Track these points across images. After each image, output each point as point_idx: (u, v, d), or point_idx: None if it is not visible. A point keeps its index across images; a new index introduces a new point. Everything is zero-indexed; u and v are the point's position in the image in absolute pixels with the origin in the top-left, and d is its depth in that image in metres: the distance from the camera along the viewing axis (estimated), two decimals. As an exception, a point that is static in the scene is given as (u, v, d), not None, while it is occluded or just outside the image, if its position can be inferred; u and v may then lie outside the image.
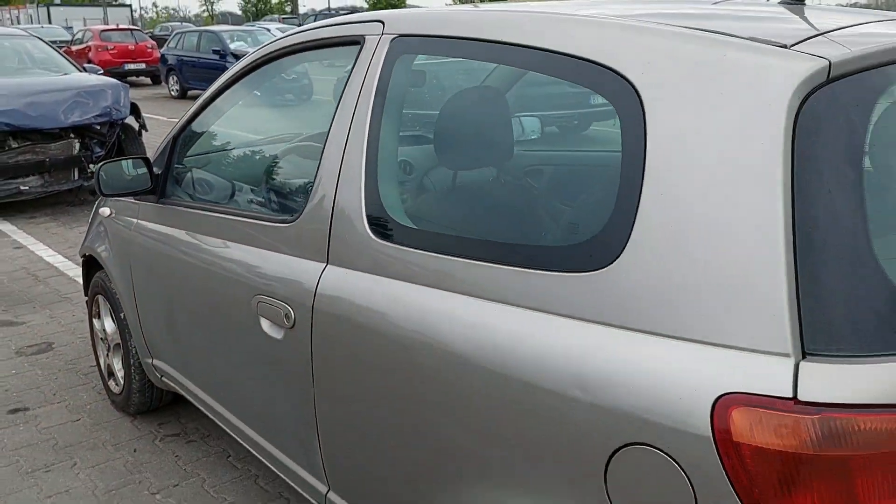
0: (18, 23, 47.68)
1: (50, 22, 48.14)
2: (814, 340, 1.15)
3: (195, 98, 10.89)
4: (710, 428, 1.16)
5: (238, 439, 2.54)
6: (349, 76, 2.00)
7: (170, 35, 21.50)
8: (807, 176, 1.20)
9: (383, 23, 1.98)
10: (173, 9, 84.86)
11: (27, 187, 7.07)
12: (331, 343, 1.88)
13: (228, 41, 16.66)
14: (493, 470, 1.50)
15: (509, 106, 1.87)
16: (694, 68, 1.34)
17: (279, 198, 2.33)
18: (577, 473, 1.34)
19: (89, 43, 20.94)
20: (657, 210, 1.31)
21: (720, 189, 1.25)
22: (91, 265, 3.49)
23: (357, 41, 2.03)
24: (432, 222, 1.88)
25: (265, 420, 2.30)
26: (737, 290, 1.20)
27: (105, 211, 3.26)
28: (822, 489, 1.12)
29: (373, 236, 1.81)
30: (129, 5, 59.34)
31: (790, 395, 1.12)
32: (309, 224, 2.00)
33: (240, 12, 68.54)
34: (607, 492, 1.30)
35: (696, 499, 1.19)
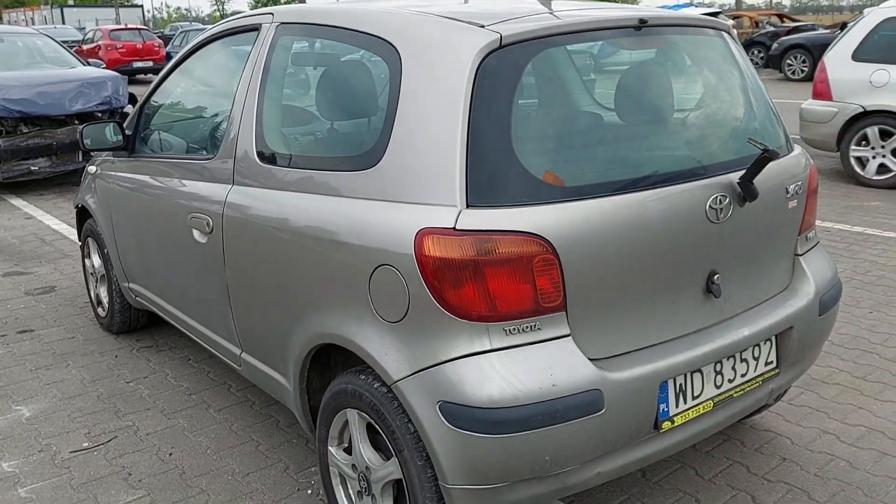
0: (33, 23, 48.69)
1: (63, 22, 49.15)
2: (473, 199, 1.97)
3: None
4: (413, 249, 1.98)
5: (182, 329, 3.39)
6: (250, 53, 2.84)
7: (176, 34, 22.40)
8: (478, 105, 2.02)
9: (273, 14, 2.81)
10: (185, 9, 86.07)
11: (37, 168, 7.96)
12: (233, 237, 2.72)
13: (229, 39, 17.51)
14: (318, 300, 2.34)
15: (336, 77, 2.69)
16: (429, 40, 2.16)
17: (205, 144, 3.16)
18: (356, 288, 2.17)
19: (99, 42, 21.90)
20: (402, 129, 2.13)
21: (434, 114, 2.07)
22: (83, 214, 4.35)
23: (257, 28, 2.87)
24: (292, 149, 2.70)
25: (198, 307, 3.14)
26: (436, 173, 2.02)
27: (92, 168, 4.11)
28: (472, 282, 1.93)
29: (259, 162, 2.65)
30: (141, 6, 60.20)
31: (452, 226, 1.94)
32: (221, 158, 2.84)
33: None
34: (370, 296, 2.13)
35: (408, 294, 2.01)
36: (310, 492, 2.80)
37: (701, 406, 2.27)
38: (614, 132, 2.21)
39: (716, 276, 2.29)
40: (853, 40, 7.61)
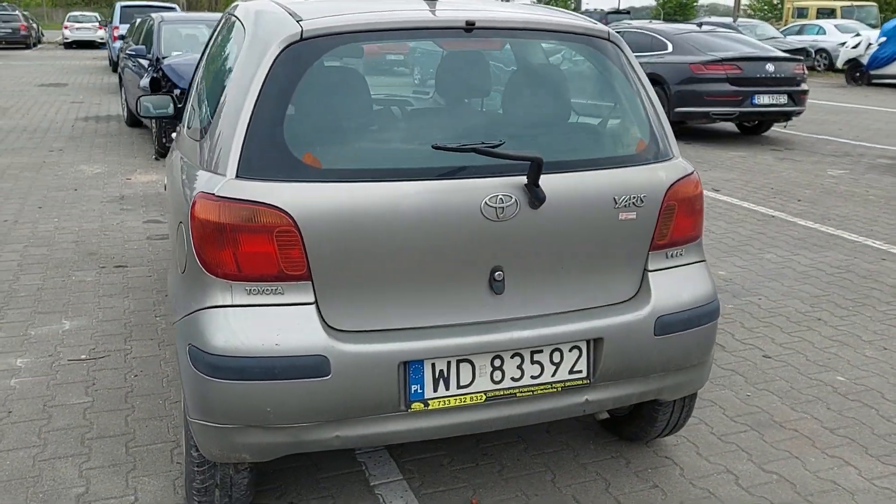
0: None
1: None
2: (242, 171, 2.21)
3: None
4: (190, 210, 2.28)
5: None
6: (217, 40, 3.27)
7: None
8: (267, 89, 2.26)
9: (238, 5, 3.22)
10: None
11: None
12: (169, 196, 3.19)
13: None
14: (172, 252, 2.72)
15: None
16: (261, 28, 2.43)
17: (186, 116, 3.66)
18: (174, 241, 2.51)
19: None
20: (224, 105, 2.42)
21: (239, 94, 2.33)
22: (172, 174, 5.11)
23: (226, 17, 3.29)
24: (194, 122, 3.07)
25: None
26: (225, 146, 2.29)
27: (174, 135, 4.82)
28: (221, 243, 2.19)
29: (186, 134, 3.08)
30: None
31: (214, 192, 2.21)
32: (184, 129, 3.31)
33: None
34: (175, 249, 2.46)
35: (186, 248, 2.31)
36: (207, 424, 3.19)
37: (468, 397, 2.32)
38: (391, 126, 2.33)
39: (497, 273, 2.32)
40: None
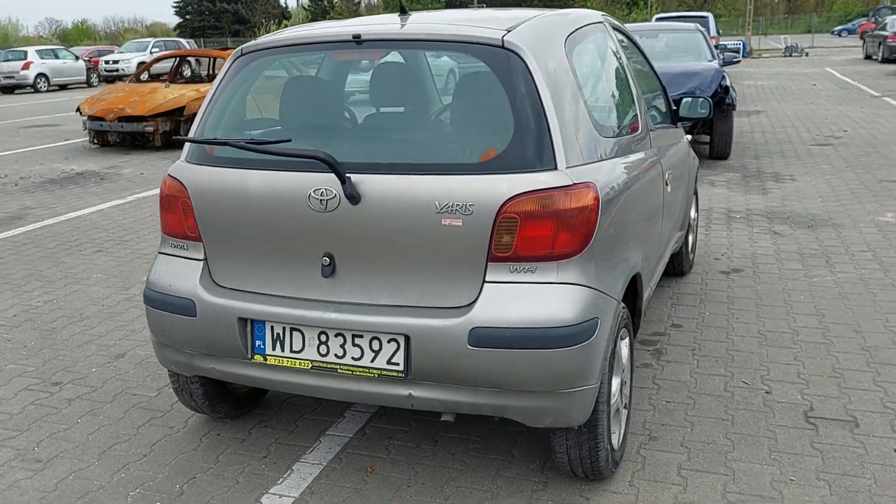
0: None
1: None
2: (187, 156, 2.94)
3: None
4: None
5: None
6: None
7: None
8: (214, 94, 2.93)
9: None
10: None
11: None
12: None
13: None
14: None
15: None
16: (249, 48, 3.10)
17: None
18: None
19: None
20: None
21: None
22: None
23: None
24: None
25: None
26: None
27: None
28: (162, 209, 2.93)
29: None
30: None
31: (168, 171, 2.98)
32: None
33: None
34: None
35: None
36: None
37: (298, 361, 2.67)
38: (264, 124, 2.74)
39: (325, 259, 2.60)
40: None
